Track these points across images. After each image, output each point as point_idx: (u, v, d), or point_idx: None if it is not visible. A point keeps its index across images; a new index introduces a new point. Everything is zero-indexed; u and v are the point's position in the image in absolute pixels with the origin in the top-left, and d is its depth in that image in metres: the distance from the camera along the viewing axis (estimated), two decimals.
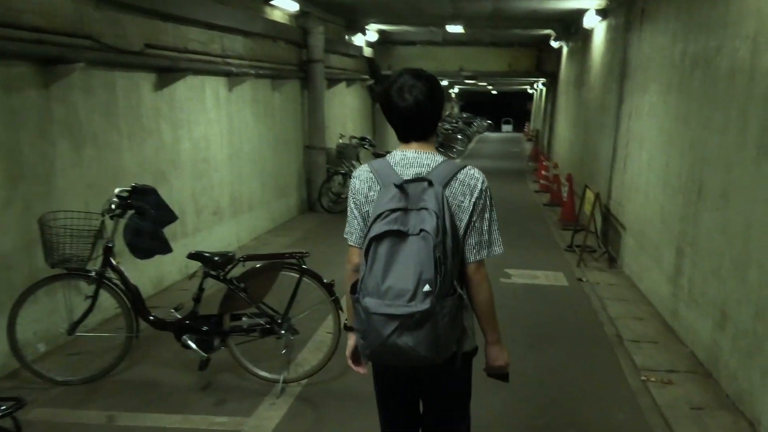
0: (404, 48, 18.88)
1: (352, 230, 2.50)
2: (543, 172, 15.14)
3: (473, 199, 2.37)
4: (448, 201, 2.30)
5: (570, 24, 14.30)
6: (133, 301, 4.51)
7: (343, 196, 12.48)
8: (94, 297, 4.48)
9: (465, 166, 2.43)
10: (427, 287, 2.16)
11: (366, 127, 17.15)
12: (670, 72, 6.39)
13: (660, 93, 6.71)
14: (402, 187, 2.26)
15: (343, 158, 12.27)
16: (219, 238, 8.34)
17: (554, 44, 16.72)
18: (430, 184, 2.28)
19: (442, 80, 30.67)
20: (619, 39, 9.08)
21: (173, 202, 7.13)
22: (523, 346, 5.38)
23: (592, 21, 11.05)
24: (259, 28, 9.34)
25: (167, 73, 6.93)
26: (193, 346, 4.38)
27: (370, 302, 2.21)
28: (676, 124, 6.08)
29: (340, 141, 12.73)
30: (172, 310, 4.49)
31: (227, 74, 8.47)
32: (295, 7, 10.88)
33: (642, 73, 7.59)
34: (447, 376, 2.50)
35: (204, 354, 4.37)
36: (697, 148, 5.43)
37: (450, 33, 17.16)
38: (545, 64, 18.97)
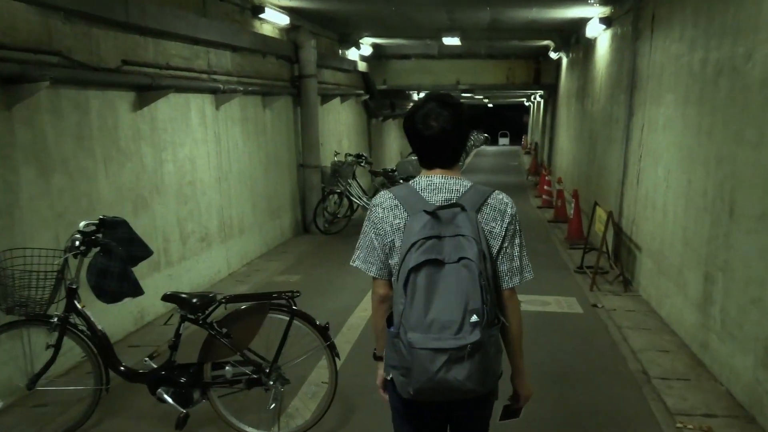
0: (399, 62, 18.47)
1: (373, 261, 2.40)
2: (545, 187, 14.67)
3: (504, 225, 2.33)
4: (480, 227, 2.25)
5: (570, 34, 13.89)
6: (102, 348, 3.98)
7: (339, 216, 12.00)
8: (57, 346, 3.94)
9: (494, 191, 2.36)
10: (474, 317, 2.10)
11: (362, 144, 16.67)
12: (689, 82, 5.92)
13: (677, 104, 6.24)
14: (435, 213, 2.19)
15: (339, 177, 11.78)
16: (207, 266, 7.83)
17: (553, 55, 16.31)
18: (463, 209, 2.22)
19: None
20: (626, 48, 8.62)
21: (156, 229, 6.67)
22: (540, 386, 4.84)
23: (595, 30, 10.61)
24: (248, 43, 8.88)
25: (147, 92, 6.44)
26: (170, 400, 3.84)
27: (414, 337, 2.12)
28: (698, 138, 5.60)
29: (335, 159, 12.25)
30: (146, 359, 3.97)
31: (214, 91, 8.00)
32: (285, 21, 10.43)
33: (655, 83, 7.12)
34: (484, 403, 2.45)
35: (182, 409, 3.83)
36: (725, 164, 4.95)
37: (446, 46, 16.71)
38: (544, 76, 18.54)
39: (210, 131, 7.98)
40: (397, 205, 2.33)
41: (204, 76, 7.80)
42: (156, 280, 6.62)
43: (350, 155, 12.48)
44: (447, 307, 2.10)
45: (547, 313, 6.59)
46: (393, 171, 12.67)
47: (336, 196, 11.82)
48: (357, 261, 2.44)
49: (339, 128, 14.25)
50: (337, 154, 12.52)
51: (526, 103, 42.05)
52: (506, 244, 2.34)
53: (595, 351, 5.60)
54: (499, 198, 2.36)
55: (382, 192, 2.43)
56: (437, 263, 2.13)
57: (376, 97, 17.66)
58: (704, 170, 5.39)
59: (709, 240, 5.19)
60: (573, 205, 10.44)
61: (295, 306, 3.83)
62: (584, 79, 12.30)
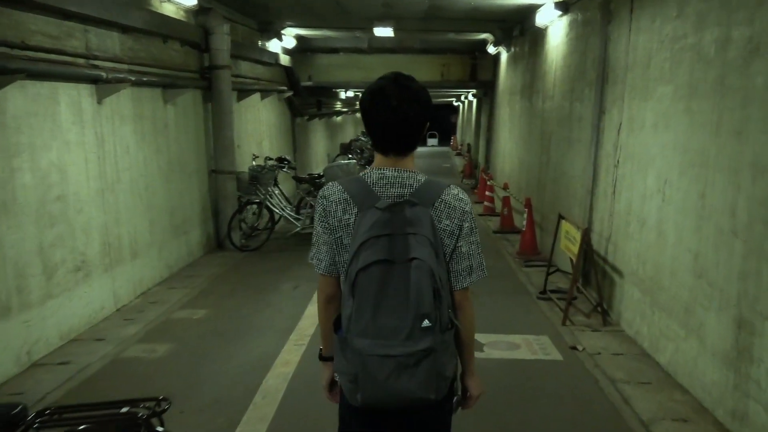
0: (326, 56, 16.91)
1: (321, 257, 2.24)
2: (487, 193, 13.45)
3: (460, 222, 2.18)
4: (434, 225, 2.10)
5: (513, 25, 12.70)
6: None
7: (259, 228, 10.42)
8: None
9: (449, 186, 2.21)
10: (426, 322, 1.95)
11: (286, 145, 15.09)
12: (697, 69, 4.68)
13: (678, 98, 5.00)
14: (387, 210, 2.04)
15: (258, 184, 10.17)
16: (86, 303, 6.15)
17: (491, 50, 15.13)
18: (417, 206, 2.08)
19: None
20: (591, 35, 7.41)
21: (5, 262, 4.98)
22: None
23: (547, 17, 9.39)
24: (142, 23, 7.21)
25: None
26: None
27: (362, 343, 1.98)
28: (716, 140, 4.36)
29: (254, 163, 10.63)
30: None
31: (94, 80, 6.33)
32: (191, 1, 8.78)
33: (638, 74, 5.89)
34: (441, 410, 2.23)
35: None
36: None
37: (377, 38, 15.37)
38: (481, 73, 17.33)
39: (89, 131, 6.30)
40: (346, 200, 2.17)
41: (80, 60, 6.15)
42: (5, 330, 4.95)
43: (270, 159, 10.89)
44: (397, 311, 1.94)
45: (517, 362, 5.22)
46: (320, 177, 11.11)
47: (255, 206, 10.23)
48: (314, 259, 2.28)
49: (259, 128, 12.63)
50: (255, 157, 10.87)
51: (455, 103, 41.15)
52: (461, 242, 2.20)
53: (591, 423, 4.25)
54: (454, 193, 2.21)
55: (331, 183, 2.24)
56: (388, 264, 1.96)
57: (301, 94, 16.12)
58: (730, 181, 4.13)
59: (744, 275, 3.93)
60: (526, 216, 9.20)
61: (163, 426, 2.29)
62: (531, 74, 11.09)
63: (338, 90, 22.72)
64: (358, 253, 1.99)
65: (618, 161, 6.30)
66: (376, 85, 2.16)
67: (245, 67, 11.50)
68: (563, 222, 6.99)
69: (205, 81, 9.38)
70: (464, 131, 33.76)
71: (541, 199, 9.63)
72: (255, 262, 8.98)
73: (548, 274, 7.24)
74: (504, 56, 14.70)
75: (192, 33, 8.84)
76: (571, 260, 6.97)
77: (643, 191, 5.62)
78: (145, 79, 7.32)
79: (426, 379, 1.98)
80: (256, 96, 12.25)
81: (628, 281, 5.93)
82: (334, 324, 2.18)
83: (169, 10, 8.37)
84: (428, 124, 2.22)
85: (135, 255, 7.21)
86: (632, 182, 5.91)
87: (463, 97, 33.26)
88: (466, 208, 2.20)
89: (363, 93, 2.20)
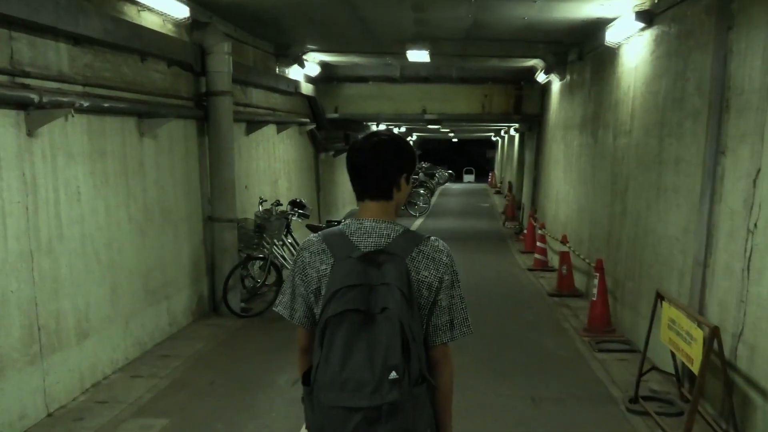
0: (354, 86, 15.15)
1: (297, 308, 2.22)
2: (539, 243, 11.46)
3: (438, 275, 2.14)
4: (410, 276, 2.06)
5: (569, 48, 10.82)
6: None
7: (265, 288, 8.58)
8: None
9: (428, 237, 2.20)
10: (393, 374, 1.90)
11: (308, 184, 13.38)
12: None
13: None
14: (361, 260, 2.04)
15: (264, 234, 8.36)
16: None
17: (541, 78, 13.31)
18: (392, 256, 2.06)
19: (399, 126, 26.87)
20: (694, 50, 5.52)
21: None
22: None
23: (623, 33, 7.52)
24: (103, 33, 5.52)
25: None
26: None
27: (327, 395, 1.93)
28: None
29: (260, 208, 8.82)
30: None
31: (21, 105, 4.64)
32: (181, 12, 7.10)
33: None
34: None
35: None
36: None
37: (410, 66, 13.73)
38: (526, 105, 15.44)
39: (11, 173, 4.58)
40: (324, 250, 2.16)
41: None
42: None
43: (280, 204, 9.06)
44: (363, 362, 1.90)
45: None
46: (340, 223, 9.28)
47: (260, 261, 8.41)
48: (279, 306, 2.28)
49: (274, 165, 10.91)
50: (262, 201, 9.04)
51: (494, 138, 39.31)
52: (441, 295, 2.14)
53: None
54: (435, 245, 2.18)
55: (311, 235, 2.27)
56: (359, 314, 1.94)
57: (326, 127, 14.44)
58: None
59: None
60: (597, 282, 7.22)
61: None
62: (596, 104, 9.19)
63: (368, 123, 21.02)
64: (329, 302, 1.95)
65: (755, 225, 4.35)
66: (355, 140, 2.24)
67: (258, 96, 9.85)
68: (666, 306, 5.01)
69: (201, 110, 7.70)
70: (504, 168, 31.82)
71: (613, 260, 7.65)
72: (252, 335, 7.14)
73: (641, 374, 5.25)
74: (556, 85, 12.81)
75: (182, 51, 7.20)
76: (673, 354, 5.03)
77: None
78: (106, 105, 5.67)
79: None
80: (271, 128, 10.58)
81: None
82: (303, 377, 2.09)
83: (151, 21, 6.71)
84: (404, 174, 2.20)
85: (84, 335, 5.41)
86: None
87: (503, 132, 31.36)
88: (446, 260, 2.16)
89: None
